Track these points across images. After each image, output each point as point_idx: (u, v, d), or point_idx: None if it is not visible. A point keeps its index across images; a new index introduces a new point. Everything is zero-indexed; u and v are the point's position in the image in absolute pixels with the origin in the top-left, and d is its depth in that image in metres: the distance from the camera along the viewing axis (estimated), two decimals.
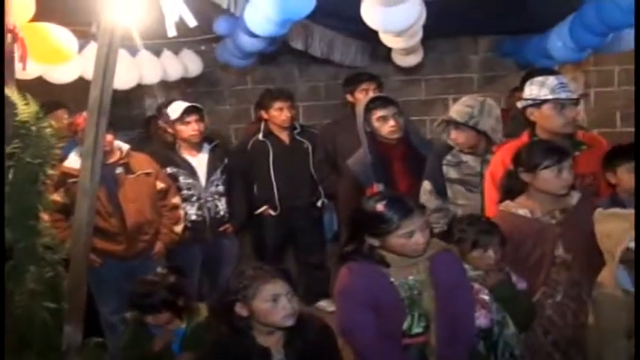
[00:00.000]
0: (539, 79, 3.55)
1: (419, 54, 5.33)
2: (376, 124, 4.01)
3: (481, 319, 2.95)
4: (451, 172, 3.84)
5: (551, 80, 3.50)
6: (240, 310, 2.58)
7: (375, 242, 2.72)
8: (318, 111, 6.82)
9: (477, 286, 2.99)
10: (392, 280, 2.73)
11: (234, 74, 7.01)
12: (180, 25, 2.89)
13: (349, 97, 5.13)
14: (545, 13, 4.56)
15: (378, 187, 4.00)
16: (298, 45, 5.03)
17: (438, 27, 5.54)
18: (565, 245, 3.12)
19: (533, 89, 3.53)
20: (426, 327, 2.73)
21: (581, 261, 3.10)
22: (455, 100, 6.45)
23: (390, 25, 3.31)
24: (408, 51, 4.96)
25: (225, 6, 3.84)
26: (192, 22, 2.92)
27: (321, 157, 5.16)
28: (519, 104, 3.60)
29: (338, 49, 5.61)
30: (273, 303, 2.55)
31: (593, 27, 3.76)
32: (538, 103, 3.49)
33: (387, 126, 4.00)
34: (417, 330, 2.72)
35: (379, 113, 4.00)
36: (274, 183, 5.21)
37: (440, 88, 6.71)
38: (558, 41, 4.42)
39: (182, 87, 6.69)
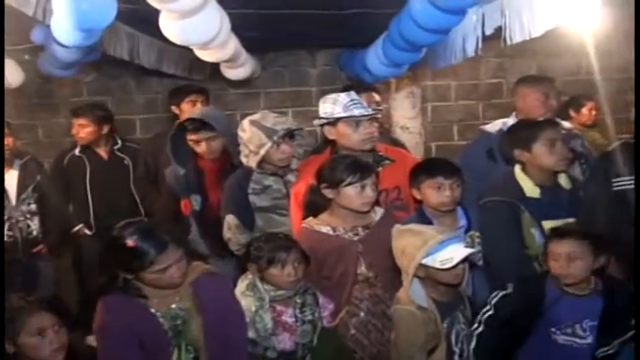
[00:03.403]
0: (331, 96, 3.51)
1: (247, 67, 5.22)
2: (191, 143, 3.89)
3: (285, 343, 2.90)
4: (259, 201, 3.62)
5: (343, 97, 3.46)
6: (8, 347, 2.39)
7: (128, 275, 2.55)
8: (155, 123, 6.59)
9: (279, 307, 2.92)
10: (153, 311, 2.57)
11: (68, 86, 6.68)
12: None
13: (175, 109, 5.00)
14: (371, 28, 4.58)
15: (193, 200, 3.91)
16: (123, 55, 4.82)
17: (273, 40, 5.54)
18: (367, 262, 3.10)
19: (327, 107, 3.47)
20: (197, 358, 2.61)
21: (385, 277, 3.08)
22: (294, 113, 6.49)
23: (188, 38, 3.17)
24: (233, 64, 4.85)
25: (31, 14, 3.62)
26: None
27: (141, 174, 4.97)
28: (315, 122, 3.54)
29: (169, 61, 5.41)
30: (40, 337, 2.38)
31: (398, 44, 3.77)
32: (333, 121, 3.45)
33: (199, 148, 3.88)
34: None
35: (191, 137, 3.86)
36: (90, 201, 5.01)
37: (278, 102, 6.63)
38: (374, 57, 4.44)
39: (13, 98, 6.30)
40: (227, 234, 3.60)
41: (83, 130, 5.02)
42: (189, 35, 3.10)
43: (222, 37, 3.36)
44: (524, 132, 3.33)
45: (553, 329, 2.88)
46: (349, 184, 3.05)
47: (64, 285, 5.05)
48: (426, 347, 2.76)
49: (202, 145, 3.85)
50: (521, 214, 3.19)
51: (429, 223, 3.18)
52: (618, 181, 3.22)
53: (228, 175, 3.80)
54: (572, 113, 5.84)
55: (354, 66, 5.44)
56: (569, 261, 2.82)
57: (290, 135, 3.62)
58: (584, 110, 5.90)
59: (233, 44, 3.97)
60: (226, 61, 4.57)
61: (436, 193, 3.24)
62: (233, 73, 5.23)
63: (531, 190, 3.25)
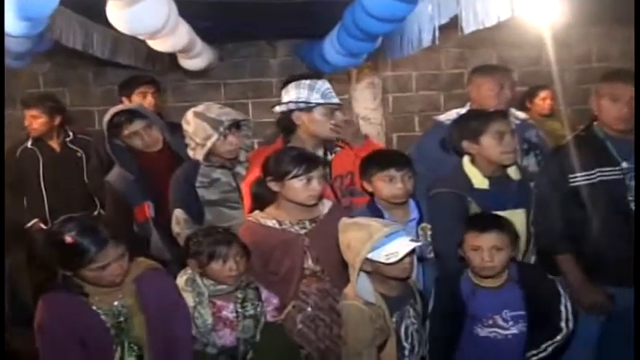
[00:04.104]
0: (307, 82, 3.44)
1: (204, 57, 5.12)
2: (128, 141, 3.78)
3: (225, 338, 2.85)
4: (208, 194, 3.50)
5: (320, 84, 3.42)
6: None
7: (68, 272, 2.49)
8: None
9: (219, 302, 2.87)
10: (94, 308, 2.52)
11: (25, 77, 6.54)
12: None
13: (126, 101, 4.87)
14: (329, 17, 4.52)
15: (149, 207, 3.77)
16: (77, 45, 4.71)
17: (229, 30, 5.46)
18: (314, 256, 3.04)
19: (302, 92, 3.40)
20: (140, 356, 2.55)
21: (333, 271, 3.03)
22: (254, 104, 6.43)
23: (135, 27, 3.08)
24: (188, 54, 4.75)
25: None
26: None
27: (95, 166, 4.88)
28: (279, 108, 3.46)
29: (125, 51, 5.30)
30: None
31: (353, 33, 3.71)
32: (311, 107, 3.39)
33: (142, 142, 3.79)
34: None
35: (127, 130, 3.76)
36: (44, 194, 4.92)
37: (239, 93, 6.58)
38: (331, 47, 4.39)
39: None
40: (176, 228, 3.50)
41: (36, 121, 4.94)
42: (136, 24, 3.02)
43: (171, 26, 3.27)
44: (473, 123, 3.28)
45: (473, 323, 2.88)
46: (294, 176, 2.99)
47: (18, 281, 4.94)
48: (375, 343, 2.72)
49: (144, 136, 3.77)
50: (469, 205, 3.15)
51: (381, 215, 3.15)
52: (573, 177, 3.17)
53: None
54: (527, 104, 5.84)
55: (313, 56, 5.37)
56: (493, 253, 2.80)
57: (236, 126, 3.54)
58: (537, 100, 5.90)
59: (185, 33, 3.86)
60: (181, 51, 4.47)
61: (387, 185, 3.20)
62: (190, 64, 5.15)
63: (480, 181, 3.21)
